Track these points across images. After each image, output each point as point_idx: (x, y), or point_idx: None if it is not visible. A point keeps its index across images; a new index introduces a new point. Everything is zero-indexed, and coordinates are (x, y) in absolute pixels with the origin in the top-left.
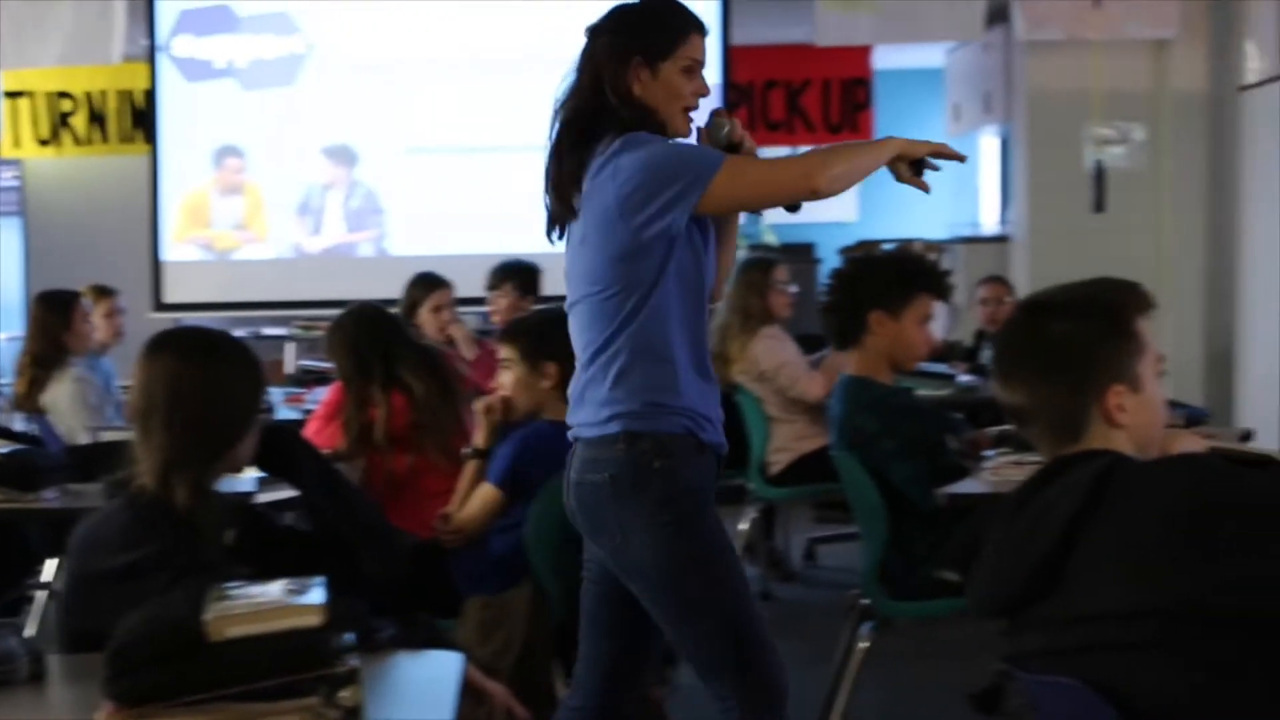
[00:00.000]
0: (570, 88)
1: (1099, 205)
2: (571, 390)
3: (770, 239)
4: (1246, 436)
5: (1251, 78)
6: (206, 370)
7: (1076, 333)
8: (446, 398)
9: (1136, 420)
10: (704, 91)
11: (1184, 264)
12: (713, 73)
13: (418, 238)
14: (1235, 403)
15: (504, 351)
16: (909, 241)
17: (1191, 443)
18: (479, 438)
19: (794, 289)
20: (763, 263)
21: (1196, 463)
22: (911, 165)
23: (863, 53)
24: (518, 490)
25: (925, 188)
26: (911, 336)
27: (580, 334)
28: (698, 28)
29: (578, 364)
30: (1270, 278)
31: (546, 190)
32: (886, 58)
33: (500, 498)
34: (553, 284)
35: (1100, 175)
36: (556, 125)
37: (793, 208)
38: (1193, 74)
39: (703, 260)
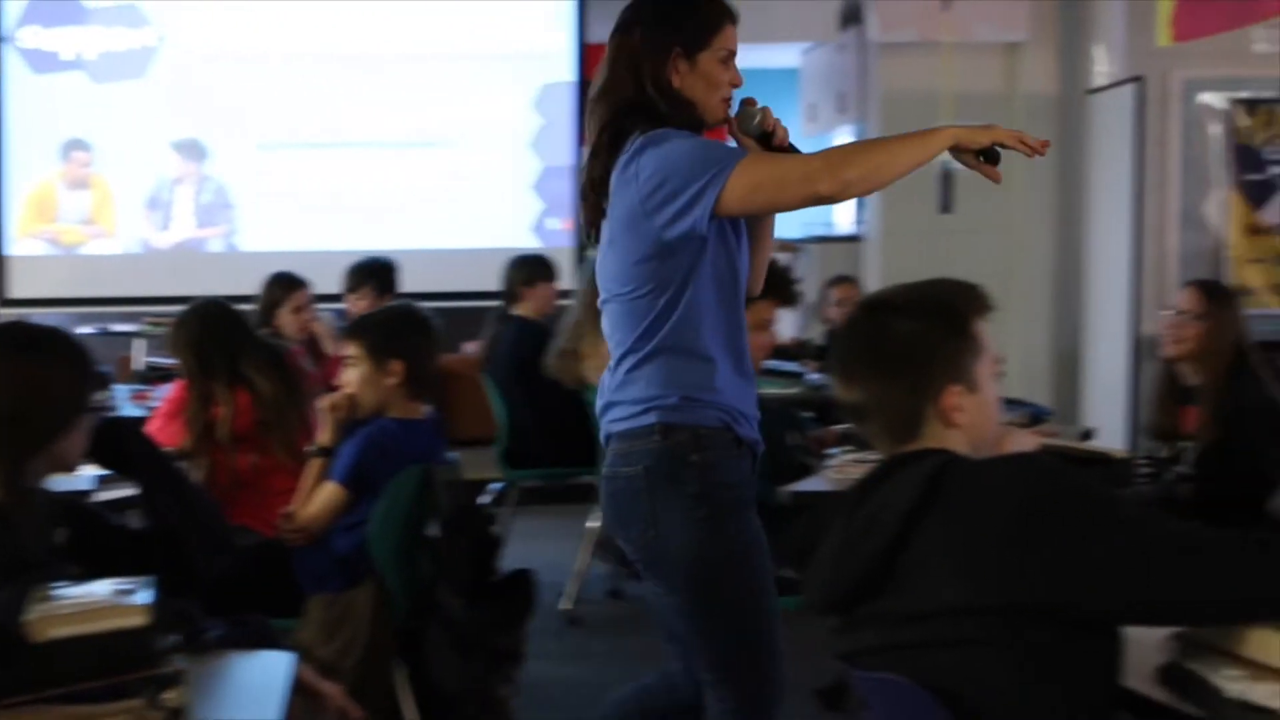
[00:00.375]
0: (605, 83)
1: (946, 206)
2: (602, 388)
3: None
4: (1086, 435)
5: (1099, 81)
6: (21, 366)
7: (916, 332)
8: (291, 396)
9: (972, 420)
10: (739, 81)
11: (1032, 265)
12: (569, 71)
13: (268, 233)
14: (1081, 402)
15: (349, 348)
16: None
17: (1025, 441)
18: (324, 435)
19: None
20: None
21: (1026, 463)
22: (978, 153)
23: None
24: (362, 488)
25: (996, 177)
26: (752, 340)
27: (612, 333)
28: (731, 17)
29: (610, 363)
30: (1116, 279)
31: (583, 191)
32: (742, 57)
33: (345, 496)
34: (409, 280)
35: (948, 177)
36: (596, 123)
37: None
38: (1042, 76)
39: (736, 257)
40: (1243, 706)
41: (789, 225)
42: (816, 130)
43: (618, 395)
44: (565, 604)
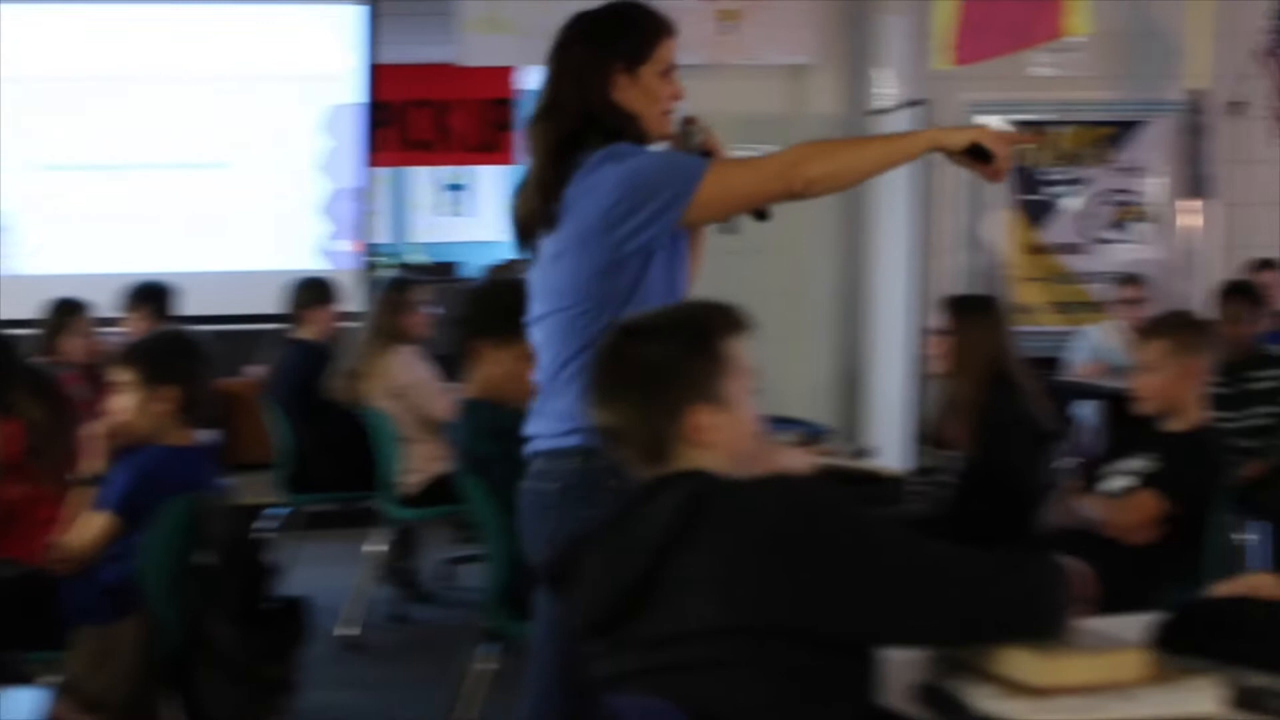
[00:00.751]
0: (549, 100)
1: (761, 215)
2: (534, 402)
3: (418, 257)
4: (859, 454)
5: (883, 103)
6: None
7: (659, 354)
8: (61, 423)
9: (725, 439)
10: (680, 94)
11: (817, 285)
12: (358, 92)
13: (50, 256)
14: (864, 421)
15: (121, 374)
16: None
17: (792, 459)
18: (96, 463)
19: (437, 309)
20: (401, 283)
21: (782, 486)
22: (969, 154)
23: (506, 73)
24: (133, 517)
25: (994, 177)
26: (525, 362)
27: (546, 348)
28: (669, 30)
29: (542, 378)
30: (898, 298)
31: (521, 202)
32: (533, 78)
33: (116, 525)
34: (193, 303)
35: None
36: (542, 139)
37: (760, 216)
38: (828, 98)
39: (676, 273)
40: None
41: None
42: None
43: (546, 406)
44: (343, 629)
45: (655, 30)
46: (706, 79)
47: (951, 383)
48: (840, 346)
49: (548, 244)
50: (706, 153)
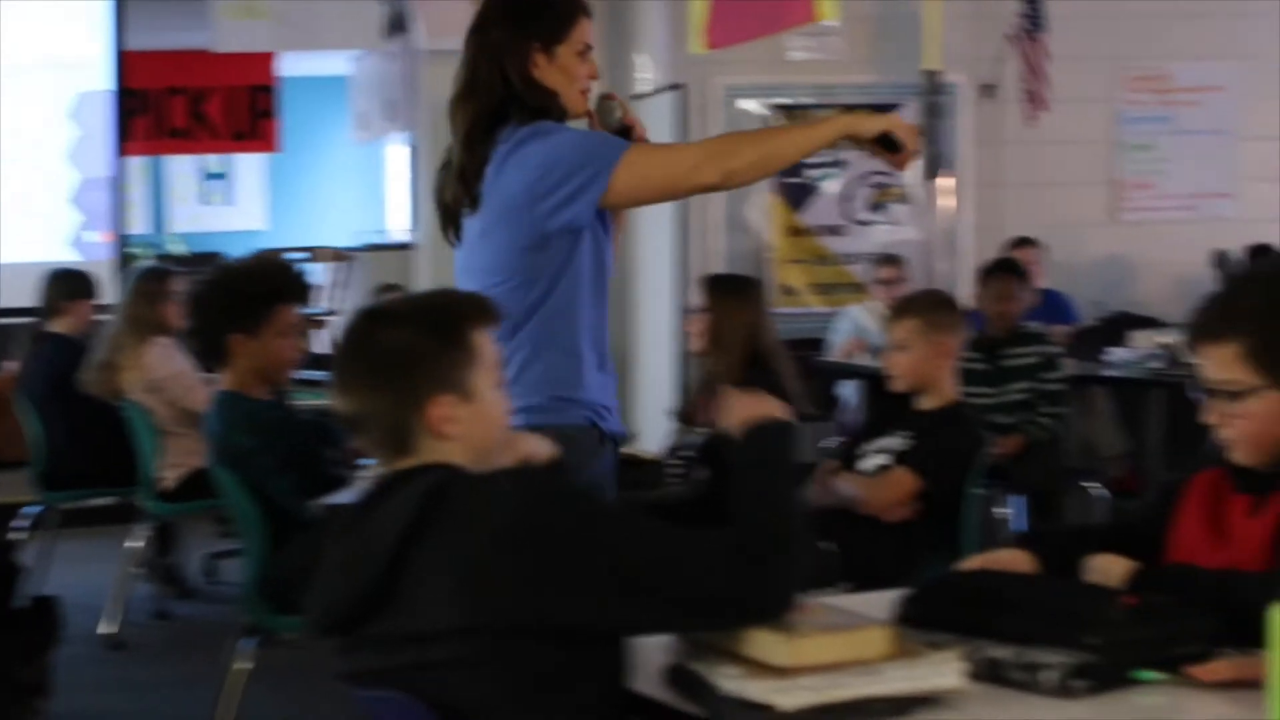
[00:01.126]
0: (468, 82)
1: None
2: None
3: (178, 248)
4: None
5: (643, 88)
6: None
7: (402, 341)
8: None
9: (469, 431)
10: (596, 74)
11: None
12: (106, 79)
13: None
14: (632, 405)
15: None
16: (280, 251)
17: (536, 446)
18: None
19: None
20: (157, 272)
21: (516, 481)
22: (878, 143)
23: (266, 60)
24: None
25: (899, 165)
26: (276, 351)
27: None
28: (585, 11)
29: None
30: (663, 282)
31: (444, 185)
32: (294, 65)
33: None
34: None
35: None
36: (462, 120)
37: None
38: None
39: (605, 252)
40: (739, 703)
41: (343, 234)
42: (368, 138)
43: None
44: (105, 628)
45: (571, 11)
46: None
47: (708, 361)
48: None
49: (473, 223)
50: (626, 128)
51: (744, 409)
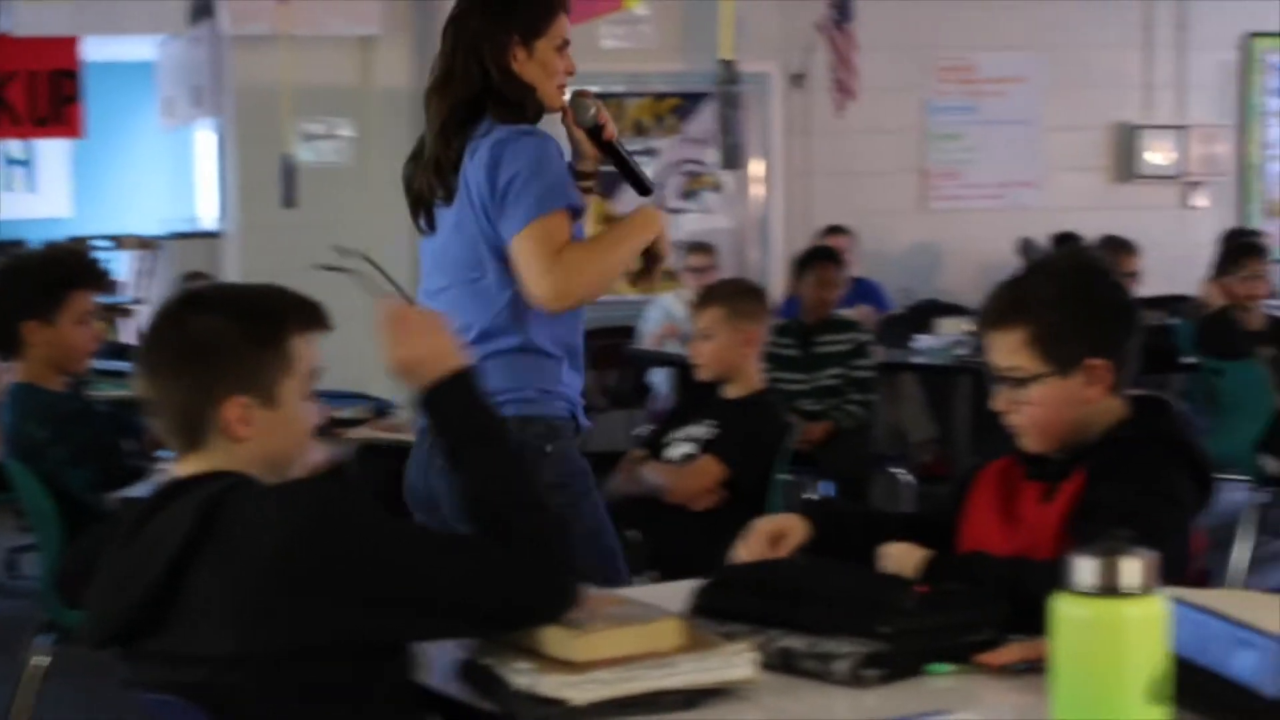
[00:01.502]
0: (446, 71)
1: (288, 201)
2: None
3: None
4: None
5: None
6: None
7: (211, 330)
8: None
9: (265, 437)
10: (573, 69)
11: (394, 258)
12: None
13: None
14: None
15: None
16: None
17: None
18: None
19: None
20: None
21: (292, 496)
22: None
23: (69, 44)
24: None
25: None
26: (72, 339)
27: (455, 319)
28: (564, 5)
29: None
30: None
31: (416, 173)
32: (100, 50)
33: None
34: None
35: (289, 171)
36: (438, 111)
37: (644, 191)
38: (398, 71)
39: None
40: (532, 699)
41: (151, 222)
42: (174, 124)
43: None
44: None
45: (551, 5)
46: (273, 50)
47: None
48: None
49: (447, 215)
50: (599, 126)
51: (410, 347)
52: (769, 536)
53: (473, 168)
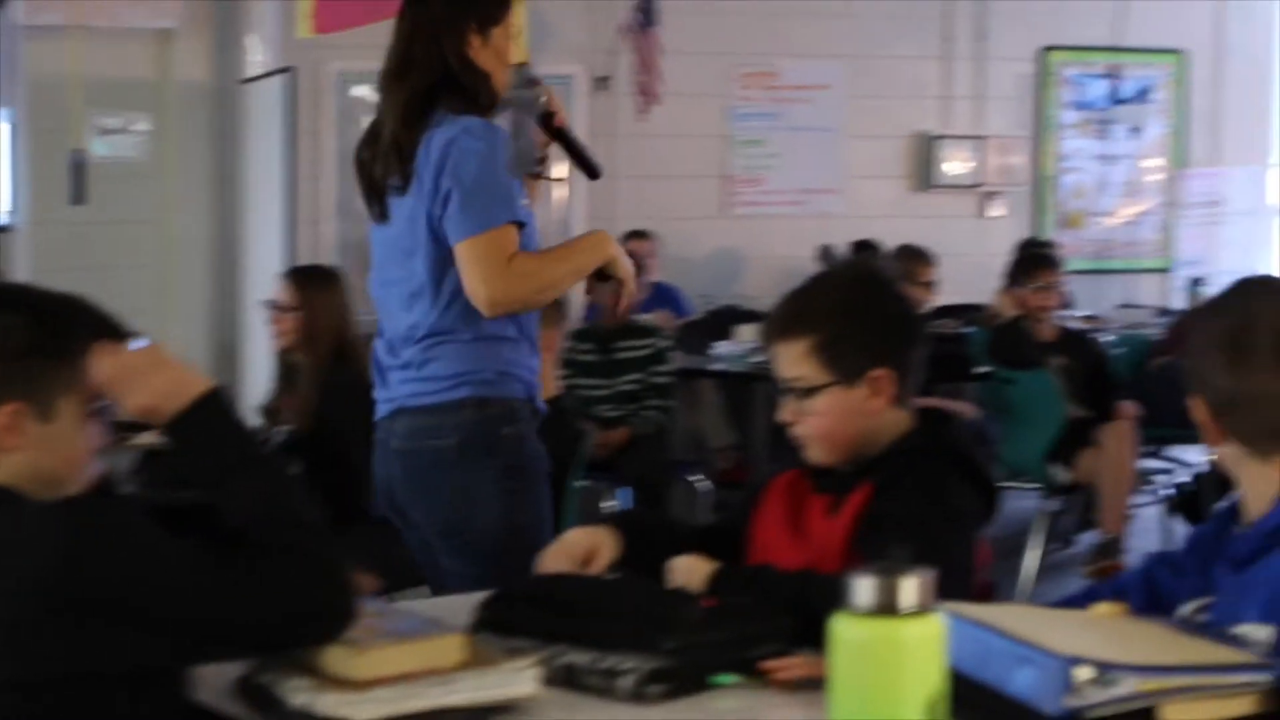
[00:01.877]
0: (403, 58)
1: (77, 198)
2: (390, 362)
3: None
4: None
5: (253, 70)
6: None
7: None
8: None
9: (35, 453)
10: (525, 59)
11: (189, 255)
12: None
13: None
14: (243, 394)
15: None
16: None
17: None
18: None
19: None
20: None
21: (69, 521)
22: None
23: None
24: None
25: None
26: None
27: (408, 308)
28: None
29: (396, 338)
30: (272, 269)
31: (371, 158)
32: None
33: None
34: None
35: (79, 167)
36: (395, 98)
37: (593, 175)
38: (197, 65)
39: (534, 239)
40: (309, 717)
41: None
42: None
43: (419, 371)
44: None
45: None
46: (68, 41)
47: (294, 355)
48: (216, 318)
49: (400, 206)
50: (550, 114)
51: (141, 391)
52: (580, 559)
53: (425, 164)
